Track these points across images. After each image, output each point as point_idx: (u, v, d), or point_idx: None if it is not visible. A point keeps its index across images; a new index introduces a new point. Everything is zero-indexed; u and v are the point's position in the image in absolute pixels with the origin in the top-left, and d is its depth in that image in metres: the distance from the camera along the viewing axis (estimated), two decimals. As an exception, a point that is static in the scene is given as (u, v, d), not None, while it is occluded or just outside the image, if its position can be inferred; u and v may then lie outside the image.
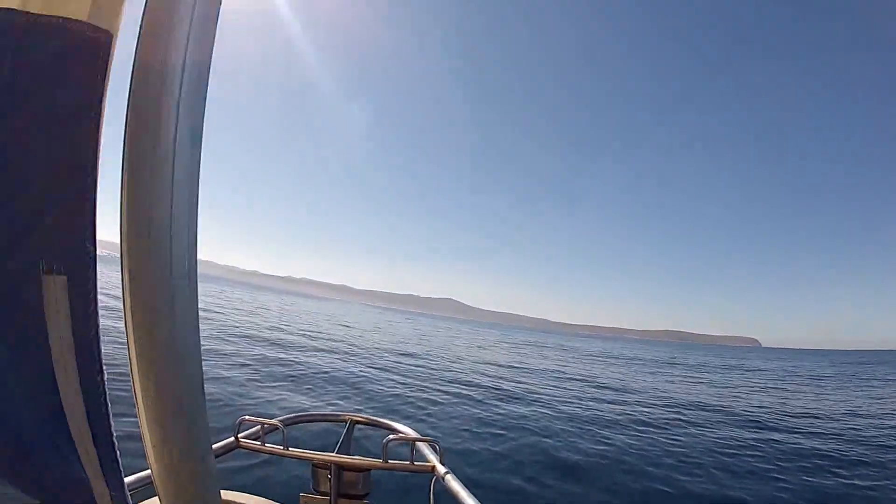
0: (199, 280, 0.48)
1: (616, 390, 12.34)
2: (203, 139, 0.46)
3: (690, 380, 18.56)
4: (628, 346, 63.52)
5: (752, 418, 9.12)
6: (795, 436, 7.67)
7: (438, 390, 8.74)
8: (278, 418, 1.77)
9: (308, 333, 16.98)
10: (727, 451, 6.35)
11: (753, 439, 7.15)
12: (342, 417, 2.01)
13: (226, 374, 7.27)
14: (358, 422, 2.00)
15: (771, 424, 8.59)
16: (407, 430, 1.85)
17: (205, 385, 0.50)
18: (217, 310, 19.75)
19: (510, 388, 10.19)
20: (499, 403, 8.15)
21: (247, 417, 1.69)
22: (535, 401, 8.89)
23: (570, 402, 9.26)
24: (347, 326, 26.23)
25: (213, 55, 0.46)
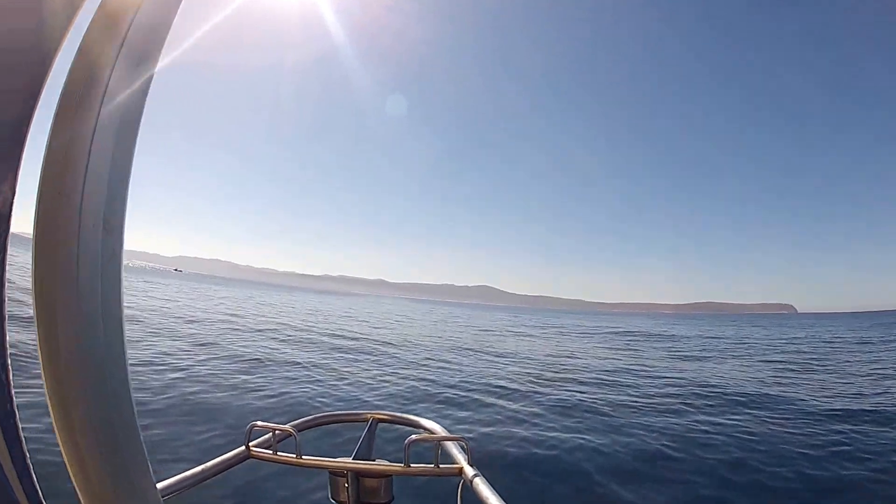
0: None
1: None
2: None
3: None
4: (664, 321, 60.05)
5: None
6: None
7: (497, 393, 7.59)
8: (291, 423, 1.59)
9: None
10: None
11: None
12: (363, 416, 1.81)
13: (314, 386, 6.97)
14: (381, 420, 1.80)
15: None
16: (433, 427, 1.68)
17: (134, 402, 0.46)
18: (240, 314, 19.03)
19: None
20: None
21: (258, 424, 1.50)
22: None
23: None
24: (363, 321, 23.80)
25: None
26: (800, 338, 24.58)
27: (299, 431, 1.47)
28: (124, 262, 0.45)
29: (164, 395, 5.45)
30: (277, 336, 12.71)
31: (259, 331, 13.55)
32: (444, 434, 1.52)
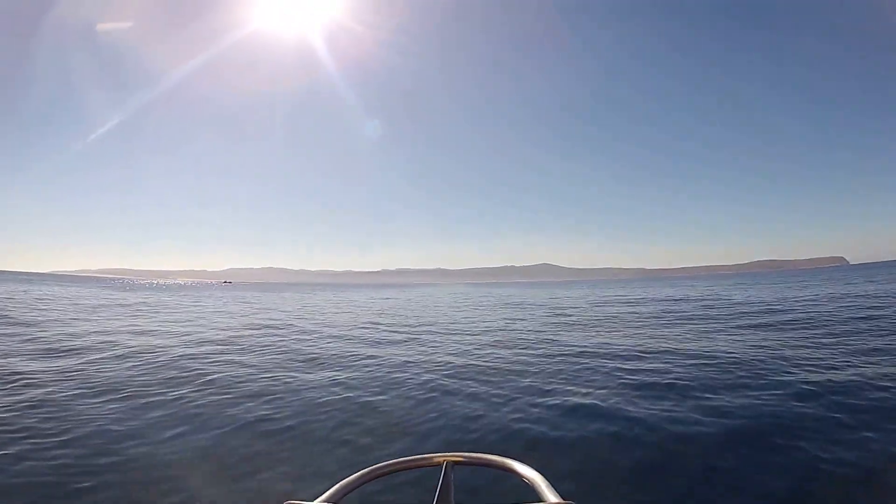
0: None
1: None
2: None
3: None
4: (723, 282, 55.37)
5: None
6: None
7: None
8: (333, 488, 1.12)
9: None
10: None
11: None
12: (432, 461, 1.33)
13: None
14: (457, 462, 1.33)
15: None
16: (527, 472, 1.17)
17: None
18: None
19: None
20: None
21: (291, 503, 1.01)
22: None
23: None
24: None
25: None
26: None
27: (344, 496, 1.10)
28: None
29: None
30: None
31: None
32: (546, 486, 1.06)
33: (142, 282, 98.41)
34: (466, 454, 1.34)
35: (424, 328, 13.76)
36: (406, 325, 14.56)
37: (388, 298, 36.42)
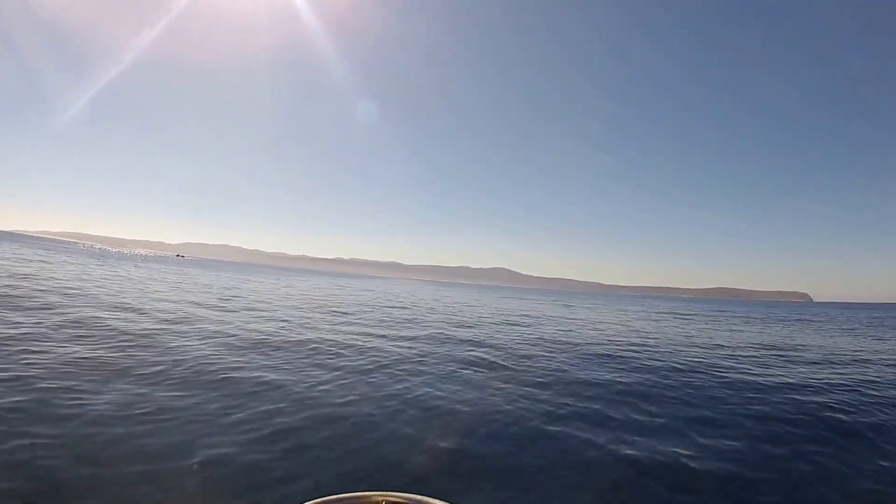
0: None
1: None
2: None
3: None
4: (682, 304, 60.67)
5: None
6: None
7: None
8: None
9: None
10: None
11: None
12: (368, 501, 1.29)
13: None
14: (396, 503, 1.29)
15: None
16: None
17: None
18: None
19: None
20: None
21: None
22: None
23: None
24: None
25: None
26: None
27: None
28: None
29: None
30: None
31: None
32: None
33: (98, 248, 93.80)
34: (404, 495, 1.31)
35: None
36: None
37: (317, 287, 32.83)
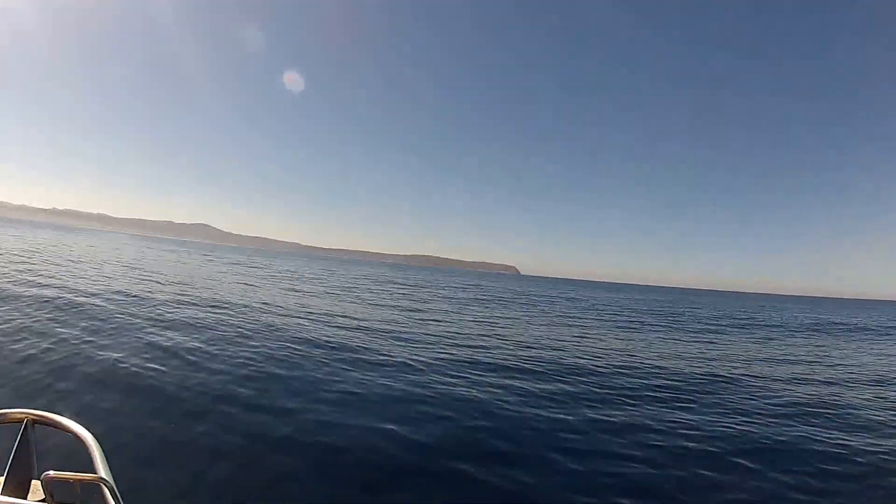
0: None
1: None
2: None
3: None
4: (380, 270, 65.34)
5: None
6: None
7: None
8: None
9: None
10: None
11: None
12: (10, 417, 1.22)
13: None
14: (39, 421, 1.23)
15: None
16: (86, 437, 1.16)
17: None
18: None
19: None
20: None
21: None
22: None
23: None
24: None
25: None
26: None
27: None
28: None
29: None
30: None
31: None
32: (82, 476, 1.03)
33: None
34: (49, 414, 1.23)
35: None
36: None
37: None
